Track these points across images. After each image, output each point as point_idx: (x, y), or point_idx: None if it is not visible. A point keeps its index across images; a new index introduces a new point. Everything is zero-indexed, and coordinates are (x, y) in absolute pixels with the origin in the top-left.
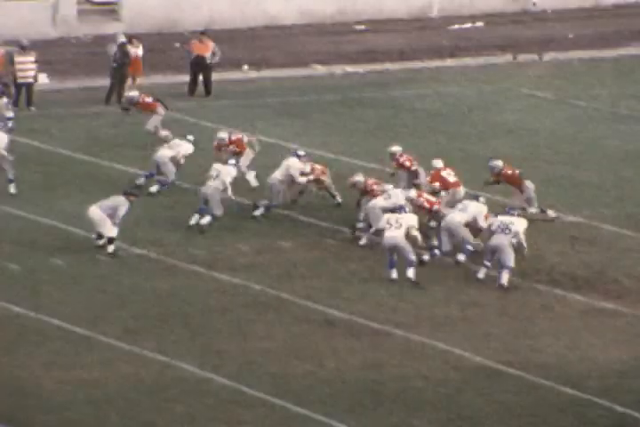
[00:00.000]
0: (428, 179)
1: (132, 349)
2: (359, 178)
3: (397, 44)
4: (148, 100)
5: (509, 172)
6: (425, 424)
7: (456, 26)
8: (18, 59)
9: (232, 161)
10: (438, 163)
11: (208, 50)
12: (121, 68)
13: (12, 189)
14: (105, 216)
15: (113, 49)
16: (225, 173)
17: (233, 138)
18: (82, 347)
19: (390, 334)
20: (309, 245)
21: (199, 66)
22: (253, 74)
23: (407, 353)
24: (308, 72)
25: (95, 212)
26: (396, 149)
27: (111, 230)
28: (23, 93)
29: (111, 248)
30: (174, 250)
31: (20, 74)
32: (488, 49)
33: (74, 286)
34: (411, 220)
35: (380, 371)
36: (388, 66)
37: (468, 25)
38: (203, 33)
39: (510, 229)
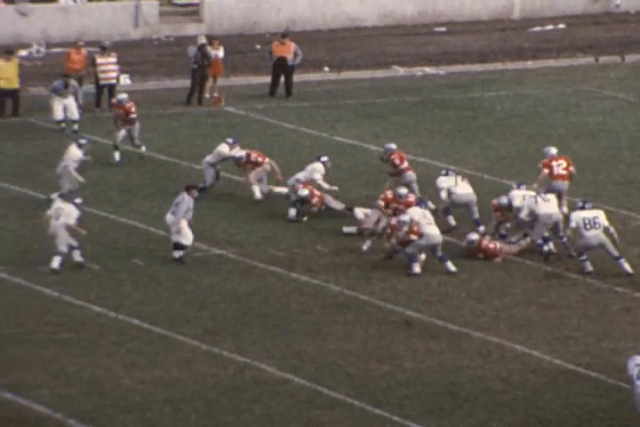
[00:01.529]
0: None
1: (210, 349)
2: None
3: (478, 46)
4: (134, 110)
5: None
6: (503, 426)
7: (537, 27)
8: (99, 60)
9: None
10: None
11: (289, 51)
12: (201, 70)
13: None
14: (175, 221)
15: (193, 51)
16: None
17: (251, 158)
18: (161, 347)
19: (469, 336)
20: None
21: (281, 67)
22: (333, 75)
23: (486, 355)
24: (388, 73)
25: (169, 218)
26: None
27: (185, 237)
28: (105, 94)
29: (177, 254)
30: (254, 251)
31: (101, 75)
32: (569, 51)
33: (154, 287)
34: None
35: (459, 373)
36: (469, 67)
37: (550, 27)
38: (284, 35)
39: (599, 224)
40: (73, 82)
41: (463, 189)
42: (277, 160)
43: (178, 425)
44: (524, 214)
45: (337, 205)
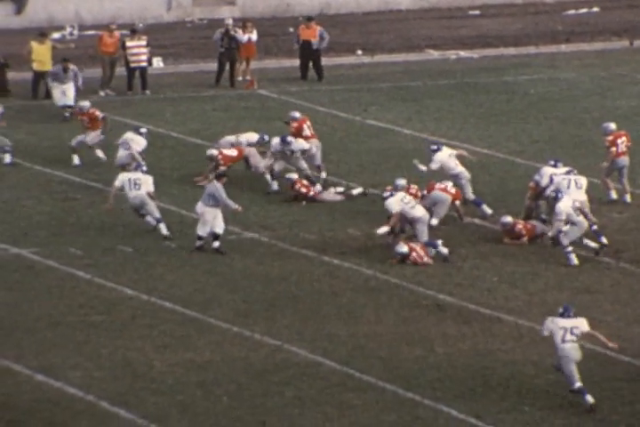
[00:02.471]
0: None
1: (242, 332)
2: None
3: (512, 29)
4: (98, 114)
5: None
6: (535, 411)
7: (571, 11)
8: (129, 43)
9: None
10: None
11: (314, 35)
12: (228, 52)
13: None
14: (209, 211)
15: (219, 34)
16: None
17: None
18: (193, 330)
19: (501, 320)
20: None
21: (306, 51)
22: (367, 58)
23: (518, 339)
24: (422, 57)
25: (201, 207)
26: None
27: (218, 226)
28: (137, 77)
29: (216, 244)
30: (286, 234)
31: (132, 58)
32: (604, 34)
33: (186, 269)
34: None
35: (491, 357)
36: (503, 51)
37: (584, 10)
38: (309, 18)
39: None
40: (72, 67)
41: (454, 164)
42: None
43: (209, 408)
44: (549, 191)
45: (333, 197)
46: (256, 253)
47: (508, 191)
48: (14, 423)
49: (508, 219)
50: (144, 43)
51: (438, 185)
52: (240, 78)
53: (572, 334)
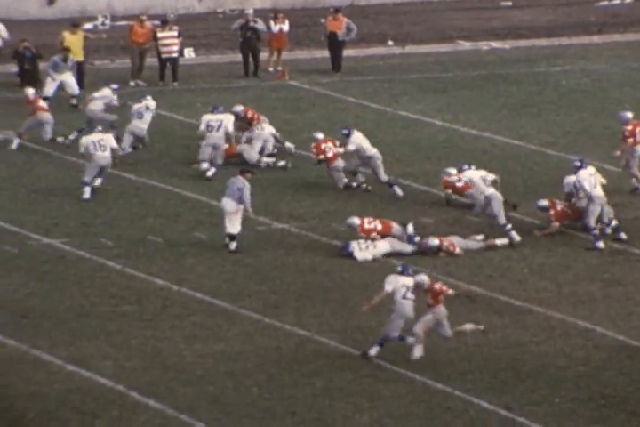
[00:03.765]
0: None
1: (272, 323)
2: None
3: (544, 21)
4: (43, 104)
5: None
6: (566, 402)
7: (604, 2)
8: (160, 34)
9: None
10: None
11: (340, 27)
12: (248, 42)
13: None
14: (237, 208)
15: (237, 24)
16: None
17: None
18: (223, 320)
19: (532, 312)
20: (450, 221)
21: (332, 42)
22: (398, 49)
23: (548, 331)
24: (453, 48)
25: (228, 203)
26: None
27: (235, 226)
28: (168, 68)
29: (233, 245)
30: (316, 225)
31: (163, 49)
32: (636, 26)
33: (216, 260)
34: None
35: (521, 348)
36: (534, 42)
37: (617, 1)
38: (336, 10)
39: None
40: (72, 57)
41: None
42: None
43: (239, 398)
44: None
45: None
46: (286, 243)
47: (539, 182)
48: (45, 413)
49: (544, 202)
50: (175, 33)
51: (463, 184)
52: (271, 69)
53: (412, 292)
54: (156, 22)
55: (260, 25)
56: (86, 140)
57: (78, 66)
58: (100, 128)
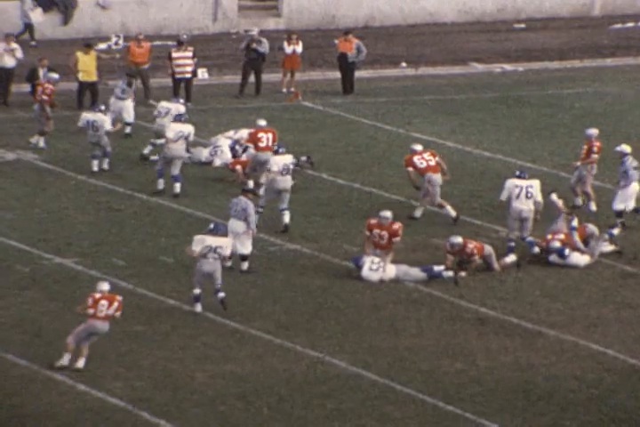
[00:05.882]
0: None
1: (283, 343)
2: None
3: (557, 43)
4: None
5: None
6: (577, 425)
7: (618, 25)
8: (175, 54)
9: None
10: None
11: (351, 48)
12: (251, 62)
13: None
14: (246, 229)
15: (243, 44)
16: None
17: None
18: (234, 341)
19: (543, 334)
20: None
21: (343, 64)
22: (411, 71)
23: (560, 353)
24: (466, 70)
25: (237, 224)
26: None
27: (246, 246)
28: (182, 88)
29: (245, 266)
30: (328, 246)
31: (177, 69)
32: None
33: (227, 280)
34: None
35: (533, 371)
36: (548, 64)
37: (631, 24)
38: (347, 32)
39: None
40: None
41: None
42: (353, 156)
43: (250, 419)
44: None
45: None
46: (298, 264)
47: (551, 205)
48: None
49: (458, 239)
50: (190, 54)
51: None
52: (285, 90)
53: (215, 252)
54: (170, 43)
55: (263, 47)
56: (85, 116)
57: (92, 86)
58: (102, 107)
